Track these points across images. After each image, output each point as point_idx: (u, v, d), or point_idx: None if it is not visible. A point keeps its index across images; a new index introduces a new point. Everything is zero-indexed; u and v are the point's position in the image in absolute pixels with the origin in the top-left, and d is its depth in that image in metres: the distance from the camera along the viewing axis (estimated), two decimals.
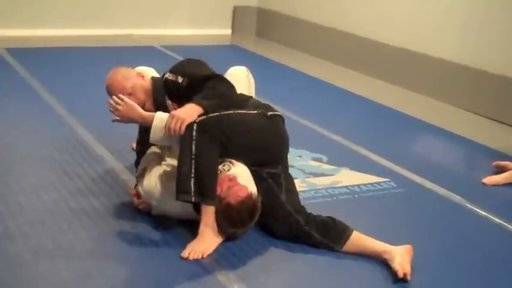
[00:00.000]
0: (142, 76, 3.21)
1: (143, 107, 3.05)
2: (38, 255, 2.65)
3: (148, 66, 3.50)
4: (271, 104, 3.18)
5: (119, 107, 2.99)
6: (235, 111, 2.93)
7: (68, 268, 2.57)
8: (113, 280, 2.56)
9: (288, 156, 3.15)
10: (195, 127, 2.76)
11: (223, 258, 2.72)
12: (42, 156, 3.70)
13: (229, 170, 2.83)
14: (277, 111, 3.11)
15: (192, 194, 2.74)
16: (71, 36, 7.03)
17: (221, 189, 2.77)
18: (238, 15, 7.97)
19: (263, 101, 3.18)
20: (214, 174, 2.78)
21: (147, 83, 3.19)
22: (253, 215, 2.78)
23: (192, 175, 2.74)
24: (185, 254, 2.69)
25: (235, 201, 2.73)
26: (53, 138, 3.96)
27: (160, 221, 2.95)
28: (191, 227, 2.84)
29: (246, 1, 7.95)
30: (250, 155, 2.94)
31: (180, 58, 6.24)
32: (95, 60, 5.89)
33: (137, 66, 3.44)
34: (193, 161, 2.74)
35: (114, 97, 3.01)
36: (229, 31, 7.99)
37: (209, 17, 7.85)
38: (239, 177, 2.82)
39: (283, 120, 3.14)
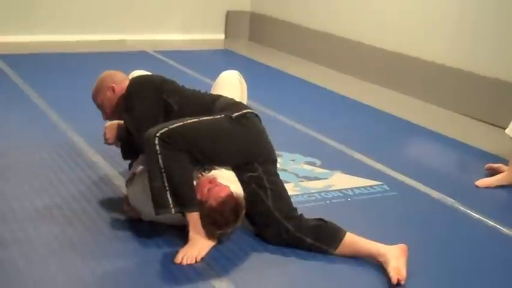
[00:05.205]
0: (114, 90, 3.18)
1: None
2: (31, 261, 2.64)
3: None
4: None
5: (106, 136, 3.15)
6: (200, 119, 2.90)
7: (61, 274, 2.57)
8: (106, 285, 2.56)
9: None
10: (156, 141, 2.73)
11: (217, 263, 2.72)
12: (35, 162, 3.69)
13: (209, 173, 2.83)
14: (245, 110, 3.04)
15: (171, 206, 2.73)
16: (64, 42, 7.02)
17: (202, 192, 2.76)
18: (231, 19, 7.98)
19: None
20: (188, 182, 2.76)
21: (116, 96, 3.18)
22: (237, 214, 2.77)
23: (167, 188, 2.72)
24: (178, 259, 2.69)
25: (216, 203, 2.72)
26: (45, 144, 3.96)
27: (152, 227, 2.94)
28: (183, 232, 2.83)
29: (239, 6, 7.97)
30: (223, 160, 2.91)
31: (173, 63, 6.33)
32: (88, 66, 5.88)
33: (131, 71, 3.45)
34: (163, 175, 2.72)
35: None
36: (222, 36, 8.00)
37: (202, 22, 7.85)
38: (219, 178, 2.80)
39: (256, 115, 3.09)
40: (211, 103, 3.08)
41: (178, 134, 2.78)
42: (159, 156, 2.73)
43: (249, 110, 3.07)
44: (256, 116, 3.10)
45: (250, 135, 2.98)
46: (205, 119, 2.92)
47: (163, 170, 2.72)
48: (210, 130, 2.89)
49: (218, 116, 2.95)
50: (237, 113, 2.98)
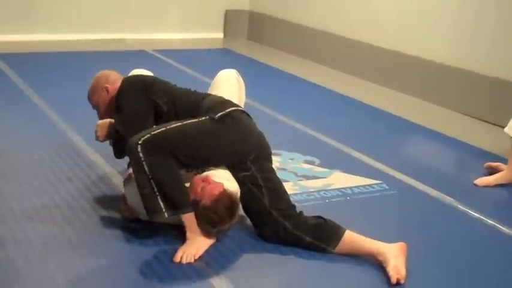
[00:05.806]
0: (107, 90, 3.19)
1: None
2: (30, 261, 2.65)
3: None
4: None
5: (97, 133, 3.17)
6: (183, 123, 2.87)
7: (60, 273, 2.57)
8: (106, 284, 2.56)
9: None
10: (139, 149, 2.72)
11: (216, 262, 2.72)
12: (34, 162, 3.69)
13: (203, 172, 2.83)
14: (230, 108, 2.98)
15: (164, 210, 2.73)
16: (63, 41, 7.02)
17: (195, 192, 2.76)
18: (230, 18, 7.98)
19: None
20: (178, 185, 2.75)
21: (109, 96, 3.19)
22: (232, 211, 2.76)
23: (157, 194, 2.72)
24: (177, 258, 2.69)
25: (210, 201, 2.72)
26: (45, 144, 3.96)
27: (151, 226, 2.94)
28: (182, 231, 2.83)
29: (238, 5, 7.97)
30: (210, 162, 2.89)
31: (172, 62, 6.32)
32: (87, 65, 5.88)
33: (130, 70, 3.45)
34: (151, 181, 2.71)
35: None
36: (221, 35, 8.00)
37: (201, 21, 7.85)
38: (213, 176, 2.79)
39: (243, 111, 3.05)
40: (198, 103, 3.04)
41: (160, 139, 2.76)
42: (144, 163, 2.71)
43: (234, 108, 3.01)
44: (244, 112, 3.06)
45: (236, 135, 2.93)
46: (188, 123, 2.88)
47: (150, 177, 2.71)
48: (194, 133, 2.85)
49: (202, 118, 2.91)
50: (221, 113, 2.93)
